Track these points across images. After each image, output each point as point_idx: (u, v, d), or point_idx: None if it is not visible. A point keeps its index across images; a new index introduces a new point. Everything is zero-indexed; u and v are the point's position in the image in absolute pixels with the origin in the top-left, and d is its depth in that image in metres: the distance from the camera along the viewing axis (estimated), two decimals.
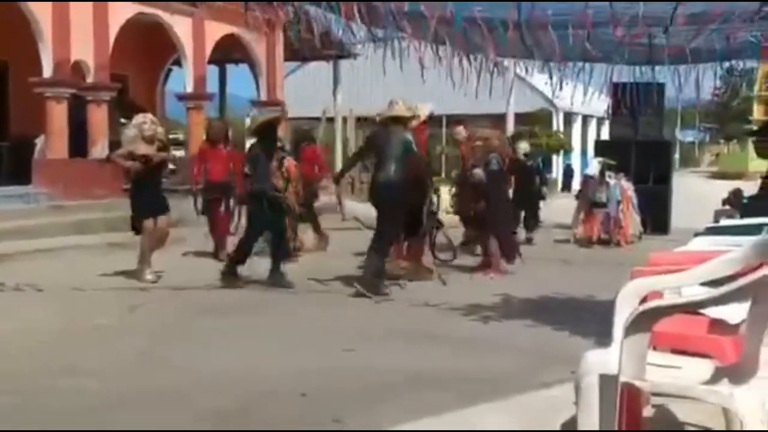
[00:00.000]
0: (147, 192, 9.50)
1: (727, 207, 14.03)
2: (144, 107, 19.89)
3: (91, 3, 15.29)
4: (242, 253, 9.31)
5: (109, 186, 14.98)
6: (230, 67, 22.88)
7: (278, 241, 9.44)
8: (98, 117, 15.80)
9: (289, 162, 10.58)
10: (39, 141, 15.54)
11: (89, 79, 15.71)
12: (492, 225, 10.35)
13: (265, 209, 9.26)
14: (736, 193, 14.46)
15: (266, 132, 9.68)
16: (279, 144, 10.19)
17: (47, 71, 14.90)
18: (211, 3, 16.81)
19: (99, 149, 15.56)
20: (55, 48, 14.85)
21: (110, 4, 15.68)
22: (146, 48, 19.45)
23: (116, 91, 16.48)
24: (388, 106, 9.36)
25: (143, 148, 9.47)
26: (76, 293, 8.68)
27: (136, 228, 9.61)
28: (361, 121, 22.52)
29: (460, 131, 11.69)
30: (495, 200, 10.50)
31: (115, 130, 16.55)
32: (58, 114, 14.94)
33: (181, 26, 17.61)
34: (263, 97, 20.64)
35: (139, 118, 9.86)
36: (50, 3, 14.65)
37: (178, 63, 19.40)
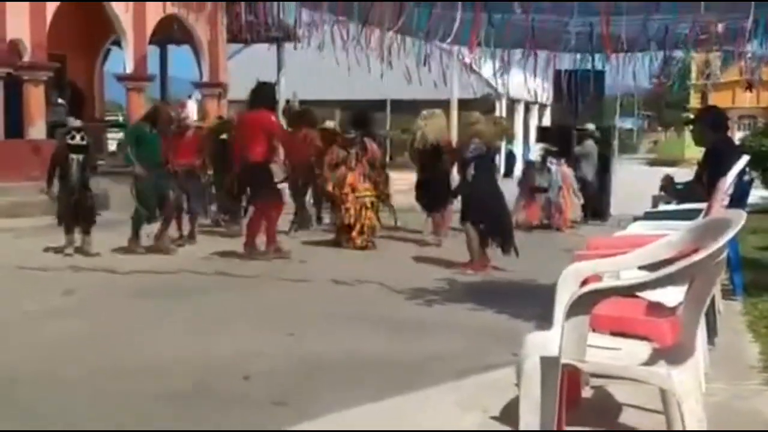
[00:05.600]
0: None
1: (664, 193, 14.24)
2: (82, 88, 19.63)
3: None
4: None
5: (45, 168, 14.64)
6: (172, 48, 22.49)
7: None
8: (35, 97, 15.41)
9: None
10: None
11: (26, 59, 15.31)
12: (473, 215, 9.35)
13: None
14: (667, 179, 14.65)
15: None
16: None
17: None
18: None
19: (36, 130, 15.19)
20: None
21: None
22: (85, 27, 18.99)
23: (53, 71, 16.08)
24: None
25: None
26: (11, 276, 8.51)
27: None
28: (304, 104, 22.33)
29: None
30: (476, 187, 9.43)
31: (52, 111, 16.22)
32: None
33: (121, 6, 17.25)
34: (206, 78, 20.37)
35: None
36: None
37: (117, 43, 19.01)
